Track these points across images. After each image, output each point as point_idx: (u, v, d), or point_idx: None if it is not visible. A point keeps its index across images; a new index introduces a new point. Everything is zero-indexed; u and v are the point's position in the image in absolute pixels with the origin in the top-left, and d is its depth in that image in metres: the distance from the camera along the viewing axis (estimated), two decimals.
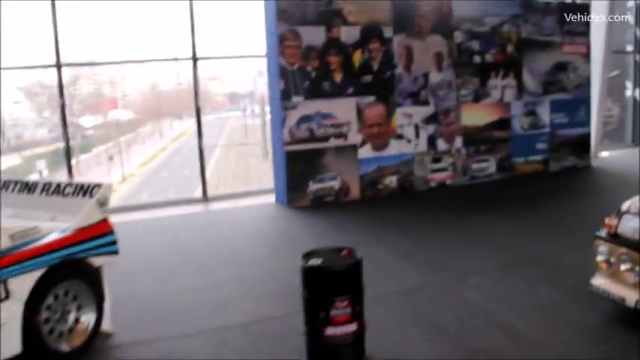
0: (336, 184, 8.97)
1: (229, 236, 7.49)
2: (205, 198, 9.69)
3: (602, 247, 4.62)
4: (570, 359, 4.03)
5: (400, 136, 9.40)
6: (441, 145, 9.76)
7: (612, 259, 4.54)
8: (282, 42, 8.55)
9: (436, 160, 9.73)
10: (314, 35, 8.71)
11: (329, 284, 3.90)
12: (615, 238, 4.52)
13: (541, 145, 10.81)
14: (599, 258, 4.65)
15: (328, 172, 8.93)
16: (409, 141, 9.46)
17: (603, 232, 4.67)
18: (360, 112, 9.06)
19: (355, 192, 9.12)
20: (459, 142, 9.91)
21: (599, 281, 4.75)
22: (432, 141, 9.67)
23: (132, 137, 26.36)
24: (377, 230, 7.52)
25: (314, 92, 8.75)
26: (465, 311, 4.88)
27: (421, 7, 9.49)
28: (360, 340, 3.95)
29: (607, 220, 4.66)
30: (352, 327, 3.88)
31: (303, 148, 8.75)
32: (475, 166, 10.10)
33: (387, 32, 9.19)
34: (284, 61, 8.56)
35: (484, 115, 10.17)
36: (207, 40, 10.43)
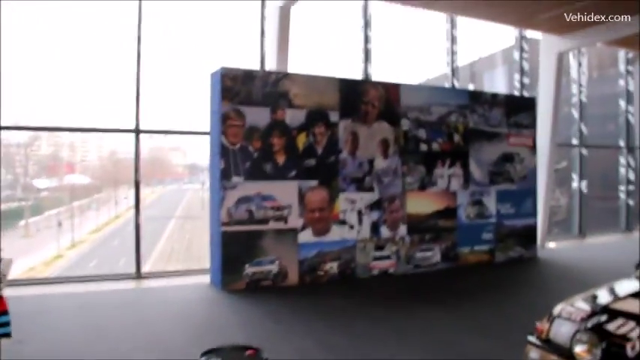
0: (273, 268, 8.58)
1: (152, 318, 6.97)
2: (139, 274, 9.20)
3: (533, 353, 4.28)
4: None
5: (343, 222, 9.13)
6: (385, 232, 9.51)
7: None
8: (225, 121, 8.34)
9: (379, 247, 9.45)
10: (258, 116, 8.54)
11: None
12: (547, 343, 4.22)
13: (487, 235, 10.68)
14: None
15: (266, 256, 8.54)
16: (352, 227, 9.19)
17: (534, 337, 4.36)
18: (301, 196, 8.79)
19: (294, 277, 8.73)
20: (403, 229, 9.68)
21: None
22: (375, 228, 9.42)
23: (86, 203, 25.64)
24: (310, 319, 7.10)
25: (255, 173, 8.48)
26: None
27: (368, 94, 9.47)
28: None
29: (538, 325, 4.36)
30: None
31: (241, 230, 8.38)
32: (419, 254, 9.85)
33: (333, 117, 9.09)
34: (225, 140, 8.33)
35: (430, 204, 10.02)
36: (158, 113, 10.29)
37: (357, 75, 11.05)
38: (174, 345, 6.05)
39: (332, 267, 9.00)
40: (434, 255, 9.97)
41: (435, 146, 10.09)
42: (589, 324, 3.97)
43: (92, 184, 26.36)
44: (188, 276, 9.38)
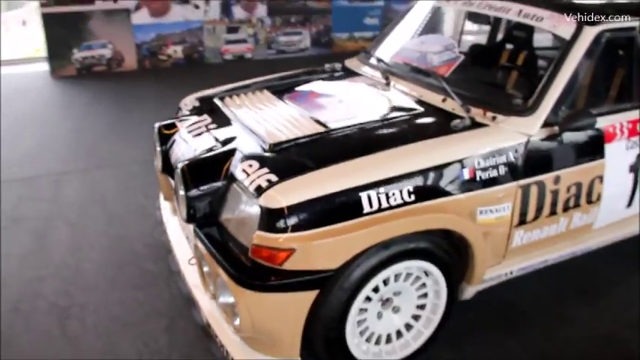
0: (106, 52, 7.46)
1: None
2: None
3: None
4: None
5: (185, 1, 7.72)
6: (239, 12, 8.11)
7: None
8: None
9: (232, 30, 8.13)
10: None
11: None
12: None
13: (371, 20, 9.17)
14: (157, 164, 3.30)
15: (96, 39, 7.38)
16: (197, 7, 7.80)
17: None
18: None
19: (131, 62, 7.63)
20: (262, 10, 8.24)
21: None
22: (226, 7, 8.00)
23: None
24: (100, 108, 6.26)
25: None
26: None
27: None
28: None
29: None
30: None
31: (63, 11, 7.11)
32: (284, 39, 8.54)
33: None
34: None
35: None
36: None
37: None
38: None
39: (176, 51, 7.84)
40: (302, 40, 8.65)
41: None
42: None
43: None
44: (31, 63, 8.18)
